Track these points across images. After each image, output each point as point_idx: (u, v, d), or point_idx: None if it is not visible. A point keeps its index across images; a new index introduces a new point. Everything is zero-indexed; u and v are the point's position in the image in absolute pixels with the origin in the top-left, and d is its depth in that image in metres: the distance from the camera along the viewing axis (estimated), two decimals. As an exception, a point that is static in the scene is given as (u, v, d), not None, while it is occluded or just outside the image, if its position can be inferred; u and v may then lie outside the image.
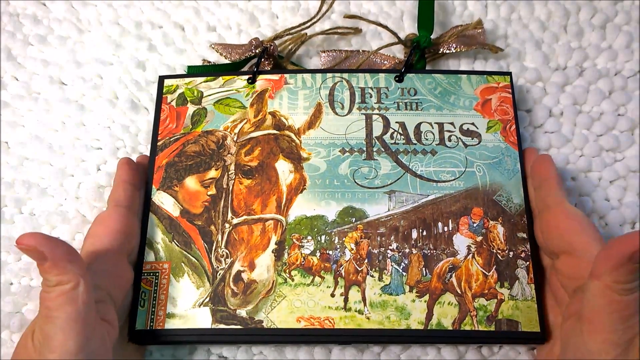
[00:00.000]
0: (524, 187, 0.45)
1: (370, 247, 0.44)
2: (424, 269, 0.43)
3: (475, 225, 0.44)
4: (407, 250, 0.44)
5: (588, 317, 0.34)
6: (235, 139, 0.47)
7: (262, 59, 0.52)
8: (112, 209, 0.42)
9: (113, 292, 0.39)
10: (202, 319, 0.41)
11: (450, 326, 0.41)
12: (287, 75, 0.50)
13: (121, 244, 0.41)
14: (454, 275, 0.43)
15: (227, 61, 0.53)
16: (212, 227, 0.44)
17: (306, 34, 0.54)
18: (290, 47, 0.54)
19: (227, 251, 0.44)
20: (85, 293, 0.33)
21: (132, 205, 0.43)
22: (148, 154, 0.48)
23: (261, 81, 0.50)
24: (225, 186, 0.46)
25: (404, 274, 0.43)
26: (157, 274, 0.43)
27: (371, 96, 0.49)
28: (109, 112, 0.52)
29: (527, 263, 0.43)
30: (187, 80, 0.50)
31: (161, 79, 0.51)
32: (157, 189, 0.46)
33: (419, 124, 0.48)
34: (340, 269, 0.43)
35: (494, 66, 0.54)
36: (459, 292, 0.42)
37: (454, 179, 0.46)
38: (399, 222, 0.45)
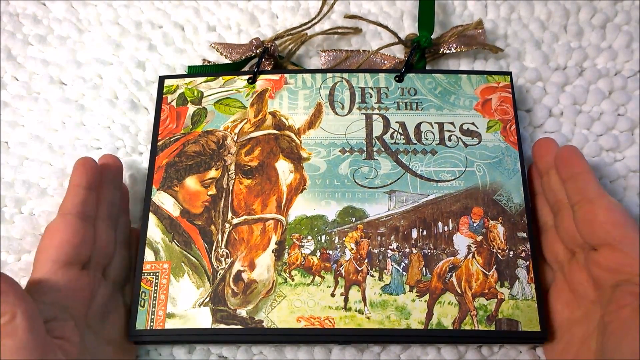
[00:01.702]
0: (524, 186, 0.45)
1: (370, 247, 0.44)
2: (424, 268, 0.43)
3: (475, 225, 0.44)
4: (407, 250, 0.44)
5: (621, 321, 0.34)
6: (235, 139, 0.47)
7: (263, 59, 0.52)
8: (59, 218, 0.40)
9: (71, 306, 0.37)
10: (202, 319, 0.41)
11: (450, 326, 0.41)
12: (287, 75, 0.50)
13: (70, 256, 0.38)
14: (454, 274, 0.43)
15: (227, 61, 0.53)
16: (212, 227, 0.44)
17: (306, 34, 0.54)
18: (290, 47, 0.54)
19: (227, 251, 0.44)
20: (25, 321, 0.31)
21: (84, 210, 0.40)
22: (148, 154, 0.48)
23: (261, 81, 0.50)
24: (225, 186, 0.46)
25: (404, 273, 0.43)
26: (157, 274, 0.43)
27: (371, 96, 0.49)
28: (109, 112, 0.52)
29: (528, 262, 0.43)
30: (187, 80, 0.50)
31: (161, 79, 0.51)
32: (157, 189, 0.46)
33: (419, 123, 0.48)
34: (341, 268, 0.43)
35: (494, 66, 0.54)
36: (459, 291, 0.42)
37: (454, 179, 0.46)
38: (399, 221, 0.45)
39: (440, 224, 0.45)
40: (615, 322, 0.35)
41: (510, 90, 0.49)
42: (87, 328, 0.39)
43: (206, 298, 0.42)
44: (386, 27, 0.53)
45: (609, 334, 0.35)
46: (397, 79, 0.50)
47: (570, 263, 0.41)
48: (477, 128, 0.48)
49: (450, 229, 0.44)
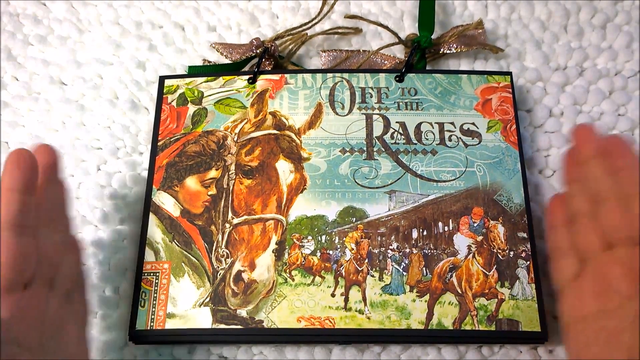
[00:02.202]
0: (524, 186, 0.45)
1: (370, 247, 0.44)
2: (424, 268, 0.43)
3: (475, 225, 0.44)
4: (407, 250, 0.44)
5: None
6: (235, 139, 0.47)
7: (263, 59, 0.52)
8: None
9: (22, 337, 0.32)
10: (203, 319, 0.41)
11: (450, 326, 0.41)
12: (287, 76, 0.50)
13: (10, 280, 0.32)
14: (454, 275, 0.43)
15: (227, 61, 0.53)
16: (213, 227, 0.44)
17: (307, 34, 0.54)
18: (290, 47, 0.54)
19: (227, 251, 0.44)
20: None
21: (22, 221, 0.33)
22: (148, 154, 0.48)
23: (262, 81, 0.50)
24: (225, 186, 0.46)
25: (405, 273, 0.43)
26: (158, 274, 0.43)
27: (371, 96, 0.49)
28: (109, 112, 0.52)
29: (528, 263, 0.43)
30: (188, 80, 0.50)
31: (161, 79, 0.51)
32: (158, 189, 0.46)
33: (420, 123, 0.48)
34: (341, 268, 0.43)
35: (494, 66, 0.54)
36: (460, 291, 0.42)
37: (455, 179, 0.46)
38: (400, 222, 0.45)
39: (440, 224, 0.45)
40: None
41: (510, 90, 0.49)
42: (43, 354, 0.33)
43: (206, 298, 0.42)
44: (386, 27, 0.53)
45: None
46: (397, 79, 0.50)
47: (604, 255, 0.40)
48: (478, 128, 0.48)
49: (451, 229, 0.44)
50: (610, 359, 0.36)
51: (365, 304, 0.42)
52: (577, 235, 0.42)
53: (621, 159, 0.39)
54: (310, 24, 0.54)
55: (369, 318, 0.41)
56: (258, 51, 0.52)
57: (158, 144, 0.48)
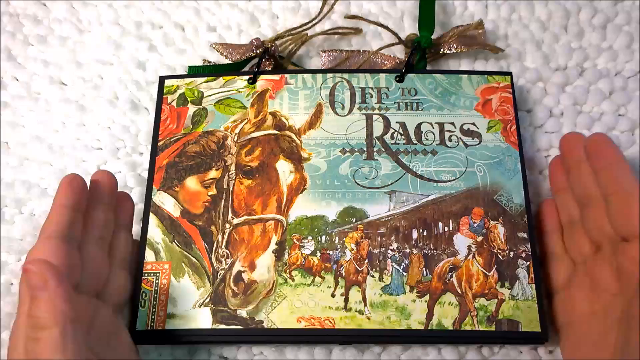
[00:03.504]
0: (525, 187, 0.45)
1: (370, 247, 0.44)
2: (424, 269, 0.43)
3: (475, 225, 0.44)
4: (407, 251, 0.44)
5: None
6: (235, 139, 0.47)
7: (263, 59, 0.52)
8: (41, 242, 0.37)
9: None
10: (203, 319, 0.41)
11: (450, 326, 0.41)
12: (287, 76, 0.50)
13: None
14: (454, 275, 0.43)
15: (227, 61, 0.53)
16: (213, 228, 0.44)
17: (307, 34, 0.54)
18: (290, 47, 0.54)
19: (227, 251, 0.44)
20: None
21: (69, 233, 0.38)
22: (148, 155, 0.48)
23: (262, 81, 0.50)
24: (225, 186, 0.46)
25: (405, 274, 0.43)
26: (158, 274, 0.43)
27: (372, 96, 0.49)
28: (109, 112, 0.52)
29: (528, 263, 0.43)
30: (188, 80, 0.50)
31: (161, 79, 0.51)
32: (158, 190, 0.46)
33: (420, 124, 0.48)
34: (341, 269, 0.43)
35: (494, 66, 0.54)
36: (460, 292, 0.42)
37: (455, 179, 0.46)
38: (400, 222, 0.45)
39: (440, 224, 0.45)
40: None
41: (510, 90, 0.49)
42: (93, 356, 0.36)
43: (206, 298, 0.42)
44: (386, 28, 0.53)
45: (634, 326, 0.35)
46: (397, 79, 0.50)
47: (594, 257, 0.40)
48: (478, 128, 0.48)
49: (451, 229, 0.44)
50: (597, 359, 0.36)
51: (365, 305, 0.42)
52: (570, 240, 0.43)
53: (602, 159, 0.40)
54: (310, 24, 0.54)
55: (369, 318, 0.41)
56: (258, 51, 0.52)
57: (158, 144, 0.48)
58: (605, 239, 0.39)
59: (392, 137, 0.48)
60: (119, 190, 0.44)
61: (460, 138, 0.48)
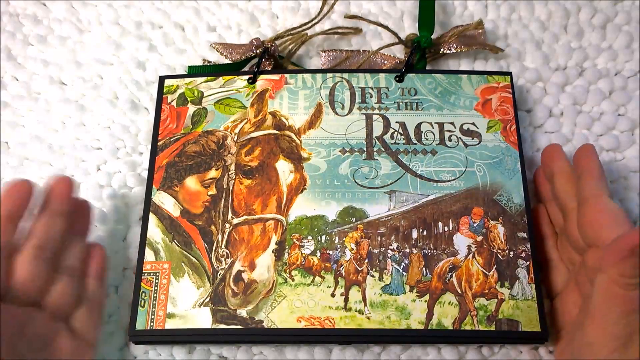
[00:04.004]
0: (524, 186, 0.45)
1: (370, 247, 0.44)
2: (424, 268, 0.43)
3: (475, 225, 0.44)
4: (407, 250, 0.44)
5: (591, 310, 0.35)
6: (235, 139, 0.47)
7: (263, 59, 0.52)
8: None
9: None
10: (203, 319, 0.41)
11: (450, 326, 0.41)
12: (287, 76, 0.50)
13: None
14: (454, 275, 0.43)
15: (227, 61, 0.53)
16: (213, 227, 0.44)
17: (307, 34, 0.54)
18: (290, 47, 0.54)
19: (227, 251, 0.44)
20: None
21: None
22: (148, 154, 0.48)
23: (261, 81, 0.50)
24: (225, 186, 0.46)
25: (404, 273, 0.43)
26: (158, 274, 0.43)
27: (371, 96, 0.49)
28: (109, 112, 0.52)
29: (528, 263, 0.43)
30: (188, 80, 0.50)
31: (161, 79, 0.51)
32: (158, 189, 0.46)
33: (419, 123, 0.48)
34: (341, 269, 0.43)
35: (494, 66, 0.54)
36: (460, 291, 0.42)
37: (455, 179, 0.46)
38: (399, 222, 0.45)
39: (440, 224, 0.45)
40: (572, 324, 0.37)
41: (510, 90, 0.49)
42: None
43: (206, 298, 0.42)
44: (386, 27, 0.53)
45: (569, 335, 0.37)
46: (397, 79, 0.50)
47: (580, 264, 0.41)
48: (477, 128, 0.48)
49: (451, 229, 0.44)
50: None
51: (365, 304, 0.42)
52: (562, 250, 0.43)
53: (578, 169, 0.41)
54: (310, 24, 0.54)
55: (368, 318, 0.41)
56: (258, 51, 0.52)
57: (158, 144, 0.48)
58: (581, 248, 0.40)
59: (391, 137, 0.48)
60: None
61: (460, 138, 0.48)
